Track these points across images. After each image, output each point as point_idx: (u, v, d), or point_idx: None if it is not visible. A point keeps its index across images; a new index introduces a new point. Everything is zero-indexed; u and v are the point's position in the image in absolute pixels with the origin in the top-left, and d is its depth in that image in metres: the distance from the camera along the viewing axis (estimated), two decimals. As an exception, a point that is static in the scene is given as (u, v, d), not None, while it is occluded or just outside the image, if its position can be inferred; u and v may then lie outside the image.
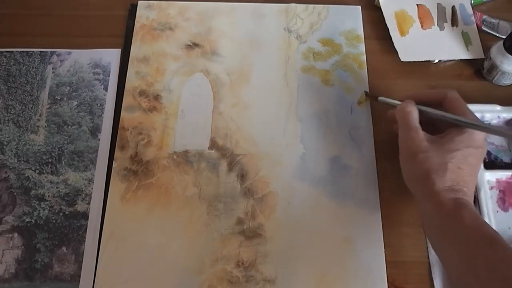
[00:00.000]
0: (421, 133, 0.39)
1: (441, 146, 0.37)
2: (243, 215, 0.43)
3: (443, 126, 0.41)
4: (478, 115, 0.47)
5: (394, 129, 0.43)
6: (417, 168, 0.37)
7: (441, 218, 0.35)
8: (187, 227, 0.43)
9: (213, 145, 0.46)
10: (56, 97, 0.49)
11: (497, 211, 0.43)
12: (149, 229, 0.42)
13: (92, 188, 0.44)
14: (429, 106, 0.41)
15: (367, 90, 0.49)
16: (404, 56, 0.50)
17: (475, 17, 0.53)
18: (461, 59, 0.51)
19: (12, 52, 0.51)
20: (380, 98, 0.46)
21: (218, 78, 0.50)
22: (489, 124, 0.47)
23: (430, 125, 0.41)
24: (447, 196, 0.35)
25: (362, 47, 0.52)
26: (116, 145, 0.46)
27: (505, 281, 0.30)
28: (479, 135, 0.38)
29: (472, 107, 0.46)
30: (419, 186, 0.38)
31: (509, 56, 0.46)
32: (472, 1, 0.54)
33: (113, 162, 0.45)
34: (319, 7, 0.54)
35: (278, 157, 0.46)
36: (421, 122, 0.40)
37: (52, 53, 0.51)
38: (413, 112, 0.40)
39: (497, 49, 0.47)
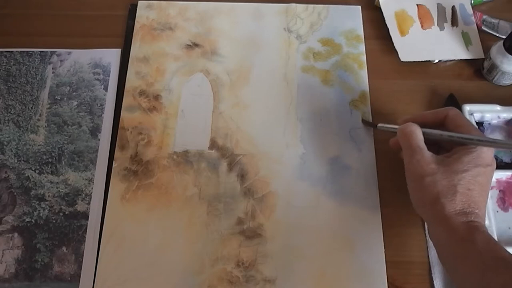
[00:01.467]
0: (427, 154, 0.37)
1: (449, 167, 0.36)
2: (243, 215, 0.43)
3: (448, 144, 0.39)
4: (478, 115, 0.47)
5: (400, 157, 0.41)
6: (425, 192, 0.36)
7: (454, 242, 0.34)
8: (187, 227, 0.43)
9: (213, 145, 0.46)
10: (56, 97, 0.49)
11: (497, 211, 0.43)
12: (149, 229, 0.42)
13: (92, 188, 0.44)
14: (430, 127, 0.39)
15: (367, 91, 0.49)
16: (404, 56, 0.50)
17: (475, 17, 0.53)
18: (461, 59, 0.51)
19: (12, 52, 0.51)
20: (379, 125, 0.44)
21: (218, 78, 0.50)
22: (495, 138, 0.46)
23: (434, 144, 0.40)
24: (459, 220, 0.34)
25: (362, 47, 0.52)
26: (116, 145, 0.46)
27: None
28: (488, 153, 0.37)
29: (472, 107, 0.47)
30: (429, 210, 0.36)
31: (509, 56, 0.46)
32: (472, 1, 0.54)
33: (113, 162, 0.45)
34: (319, 7, 0.54)
35: (278, 157, 0.46)
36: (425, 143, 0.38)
37: (52, 53, 0.51)
38: (416, 132, 0.38)
39: (497, 49, 0.47)
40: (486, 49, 0.51)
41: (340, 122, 0.47)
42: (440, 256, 0.37)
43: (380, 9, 0.53)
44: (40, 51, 0.51)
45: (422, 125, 0.39)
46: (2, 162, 0.45)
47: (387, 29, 0.52)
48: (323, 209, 0.43)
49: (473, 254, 0.33)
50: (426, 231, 0.42)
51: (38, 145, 0.46)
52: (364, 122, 0.47)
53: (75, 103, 0.48)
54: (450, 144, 0.39)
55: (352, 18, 0.53)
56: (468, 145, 0.37)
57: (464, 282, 0.34)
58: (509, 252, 0.33)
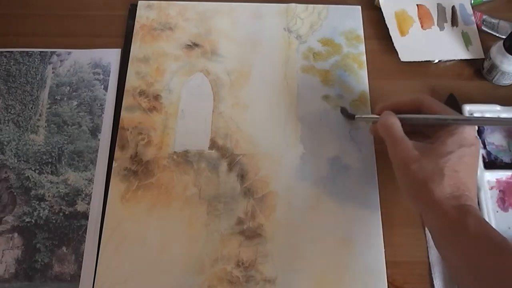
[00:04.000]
0: (409, 143, 0.37)
1: (433, 152, 0.36)
2: (243, 215, 0.43)
3: (430, 132, 0.40)
4: (478, 115, 0.47)
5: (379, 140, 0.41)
6: (412, 179, 0.36)
7: (446, 227, 0.34)
8: (187, 227, 0.43)
9: (213, 145, 0.46)
10: (56, 97, 0.49)
11: (497, 211, 0.43)
12: (149, 229, 0.42)
13: (92, 188, 0.44)
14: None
15: (367, 91, 0.49)
16: (404, 56, 0.50)
17: (475, 17, 0.53)
18: (461, 59, 0.51)
19: (12, 52, 0.51)
20: (357, 116, 0.45)
21: (218, 78, 0.50)
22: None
23: (417, 133, 0.40)
24: (450, 204, 0.34)
25: (362, 47, 0.52)
26: (116, 145, 0.46)
27: None
28: (470, 132, 0.37)
29: (472, 107, 0.47)
30: (418, 197, 0.36)
31: (509, 56, 0.46)
32: (472, 1, 0.54)
33: (113, 162, 0.45)
34: (319, 7, 0.54)
35: (278, 157, 0.46)
36: (406, 132, 0.38)
37: (52, 53, 0.51)
38: (395, 123, 0.38)
39: (497, 49, 0.47)
40: (486, 49, 0.51)
41: (340, 122, 0.47)
42: (435, 243, 0.37)
43: (380, 9, 0.53)
44: (40, 51, 0.51)
45: (398, 112, 0.40)
46: (2, 162, 0.45)
47: (387, 29, 0.52)
48: (323, 209, 0.43)
49: (466, 239, 0.33)
50: (427, 231, 0.42)
51: (38, 145, 0.46)
52: (343, 112, 0.47)
53: (75, 103, 0.48)
54: (432, 132, 0.39)
55: (352, 18, 0.53)
56: (449, 127, 0.37)
57: (458, 268, 0.34)
58: (502, 236, 0.32)
